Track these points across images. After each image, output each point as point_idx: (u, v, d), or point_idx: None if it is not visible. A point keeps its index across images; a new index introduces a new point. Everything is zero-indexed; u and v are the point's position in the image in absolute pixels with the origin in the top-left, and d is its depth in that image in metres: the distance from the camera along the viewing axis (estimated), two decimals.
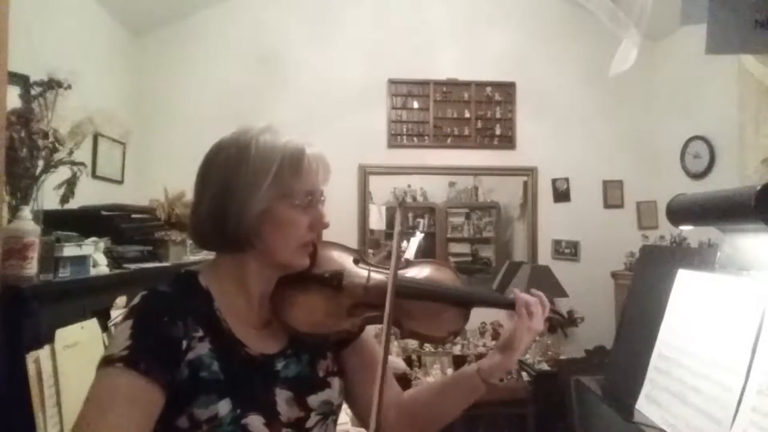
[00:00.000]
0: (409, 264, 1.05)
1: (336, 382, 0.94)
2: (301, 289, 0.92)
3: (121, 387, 0.76)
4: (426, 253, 3.90)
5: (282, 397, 0.86)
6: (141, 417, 0.76)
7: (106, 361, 0.77)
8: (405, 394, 1.04)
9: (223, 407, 0.79)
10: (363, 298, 0.93)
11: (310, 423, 0.88)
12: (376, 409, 0.72)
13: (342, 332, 0.91)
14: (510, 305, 0.97)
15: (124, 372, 0.76)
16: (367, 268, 0.97)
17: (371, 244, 3.97)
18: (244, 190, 0.84)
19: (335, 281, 0.93)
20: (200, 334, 0.83)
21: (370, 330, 1.02)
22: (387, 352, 0.79)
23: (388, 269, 0.94)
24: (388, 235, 4.21)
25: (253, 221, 0.84)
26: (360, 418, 1.03)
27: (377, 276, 0.96)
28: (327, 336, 0.91)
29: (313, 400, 0.89)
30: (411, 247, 3.79)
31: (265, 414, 0.82)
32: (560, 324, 1.07)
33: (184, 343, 0.81)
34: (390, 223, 4.30)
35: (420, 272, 1.02)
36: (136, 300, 0.84)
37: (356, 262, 0.99)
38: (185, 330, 0.81)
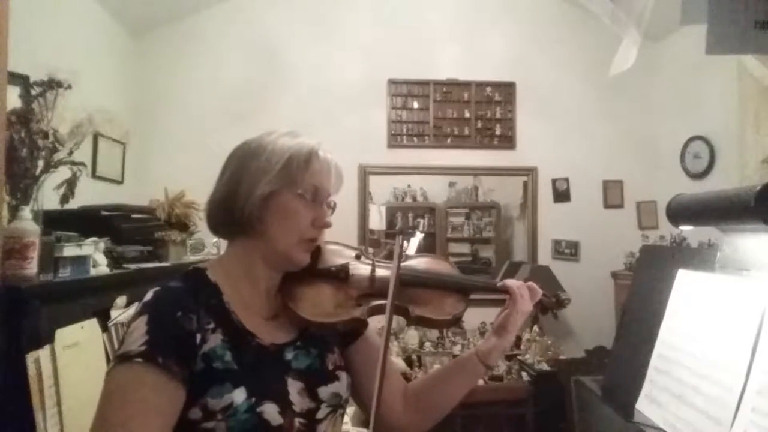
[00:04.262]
0: (408, 258, 1.11)
1: (344, 376, 0.97)
2: (309, 283, 0.96)
3: (144, 383, 0.76)
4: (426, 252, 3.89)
5: (294, 387, 0.88)
6: (167, 411, 0.77)
7: (123, 358, 0.77)
8: (410, 385, 1.09)
9: (239, 396, 0.80)
10: (369, 289, 0.98)
11: (320, 414, 0.90)
12: (377, 395, 0.76)
13: (351, 321, 0.95)
14: (501, 290, 1.07)
15: (144, 367, 0.76)
16: (370, 262, 1.03)
17: (371, 244, 3.97)
18: (255, 174, 0.90)
19: (342, 274, 0.98)
20: (212, 326, 0.85)
21: (375, 326, 1.07)
22: (387, 341, 0.82)
23: (389, 263, 1.01)
24: (389, 235, 4.21)
25: (259, 202, 0.89)
26: (367, 412, 1.06)
27: (380, 268, 1.02)
28: (336, 326, 0.95)
29: (324, 391, 0.92)
30: (411, 247, 3.79)
31: (279, 403, 0.84)
32: (550, 306, 1.14)
33: (198, 337, 0.82)
34: (390, 223, 4.30)
35: (419, 264, 1.09)
36: (148, 296, 0.85)
37: (358, 257, 1.04)
38: (198, 323, 0.83)
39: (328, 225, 0.95)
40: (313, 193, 0.92)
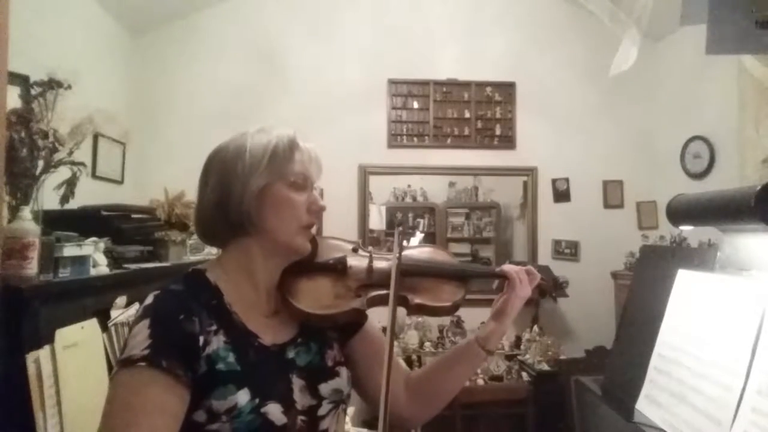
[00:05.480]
0: (407, 248, 1.12)
1: (344, 371, 0.98)
2: (308, 276, 0.97)
3: (149, 386, 0.76)
4: None
5: (297, 385, 0.89)
6: (172, 414, 0.77)
7: (127, 363, 0.77)
8: (411, 375, 1.09)
9: (242, 397, 0.81)
10: (367, 280, 0.99)
11: (322, 411, 0.90)
12: (384, 389, 0.75)
13: (351, 312, 0.95)
14: (500, 275, 1.09)
15: (148, 371, 0.76)
16: (367, 253, 1.04)
17: (371, 244, 3.97)
18: (244, 174, 0.89)
19: (340, 266, 0.99)
20: (214, 327, 0.85)
21: (375, 320, 1.07)
22: (392, 331, 0.82)
23: (386, 255, 1.04)
24: (389, 235, 4.21)
25: (254, 199, 0.89)
26: (370, 405, 1.07)
27: (378, 259, 1.03)
28: (336, 318, 0.95)
29: (324, 388, 0.92)
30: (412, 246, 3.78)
31: (282, 402, 0.84)
32: (548, 289, 1.17)
33: (201, 339, 0.82)
34: (390, 223, 4.30)
35: (418, 254, 1.11)
36: (149, 300, 0.84)
37: (355, 250, 1.05)
38: (201, 326, 0.83)
39: (323, 208, 0.96)
40: (303, 180, 0.93)
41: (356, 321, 1.03)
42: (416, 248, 1.13)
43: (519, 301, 1.06)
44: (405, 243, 1.00)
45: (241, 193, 0.88)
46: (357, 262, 1.01)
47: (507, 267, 1.09)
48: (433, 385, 1.06)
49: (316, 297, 0.94)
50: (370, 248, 1.06)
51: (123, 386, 0.77)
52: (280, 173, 0.91)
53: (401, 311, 0.99)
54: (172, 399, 0.77)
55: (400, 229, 0.97)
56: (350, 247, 1.06)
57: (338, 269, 0.99)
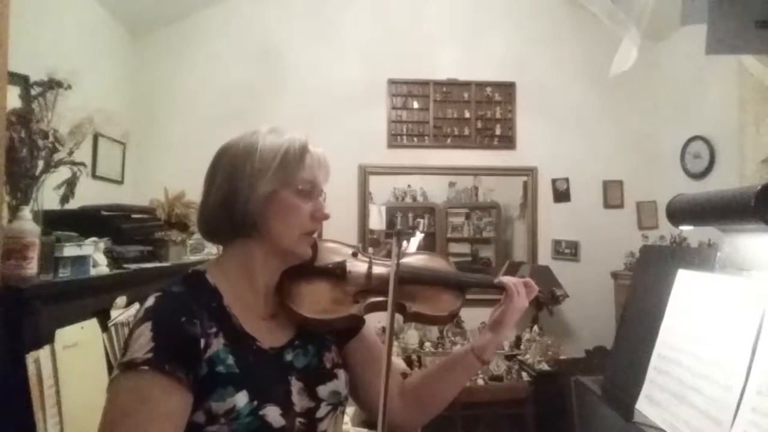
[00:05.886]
0: (405, 255, 1.12)
1: (342, 373, 0.98)
2: (307, 280, 0.97)
3: (153, 391, 0.75)
4: None
5: (295, 387, 0.89)
6: (175, 418, 0.76)
7: (129, 366, 0.76)
8: (407, 381, 1.10)
9: (241, 399, 0.80)
10: (365, 286, 0.99)
11: (320, 413, 0.90)
12: (383, 394, 0.75)
13: (349, 318, 0.95)
14: (498, 287, 1.08)
15: (151, 375, 0.75)
16: (367, 259, 1.04)
17: (371, 244, 3.97)
18: (252, 175, 0.88)
19: (339, 271, 0.99)
20: (214, 329, 0.84)
21: (373, 325, 1.08)
22: (391, 340, 0.82)
23: (385, 260, 1.03)
24: (388, 235, 4.21)
25: (260, 203, 0.88)
26: (365, 410, 1.08)
27: (377, 265, 1.03)
28: (334, 323, 0.95)
29: (323, 390, 0.92)
30: (411, 246, 3.79)
31: (281, 404, 0.84)
32: (546, 301, 1.18)
33: (202, 342, 0.82)
34: (390, 223, 4.30)
35: (416, 261, 1.11)
36: (150, 302, 0.84)
37: (355, 255, 1.05)
38: (202, 328, 0.82)
39: (327, 216, 0.95)
40: (310, 188, 0.93)
41: (354, 326, 1.02)
42: (414, 255, 1.13)
43: (516, 312, 1.06)
44: (405, 244, 1.00)
45: (247, 195, 0.88)
46: (356, 267, 1.01)
47: (505, 279, 1.09)
48: (428, 392, 1.06)
49: (314, 301, 0.94)
50: (370, 252, 1.06)
51: (126, 391, 0.76)
52: (288, 179, 0.90)
53: (398, 316, 0.99)
54: (176, 403, 0.76)
55: (398, 238, 0.97)
56: (350, 251, 1.05)
57: (337, 274, 0.99)
